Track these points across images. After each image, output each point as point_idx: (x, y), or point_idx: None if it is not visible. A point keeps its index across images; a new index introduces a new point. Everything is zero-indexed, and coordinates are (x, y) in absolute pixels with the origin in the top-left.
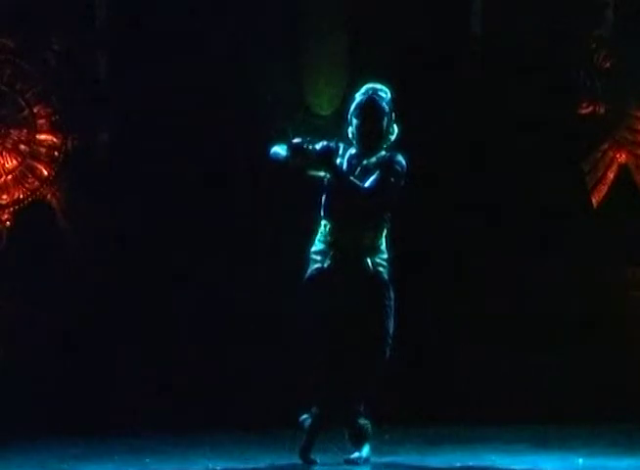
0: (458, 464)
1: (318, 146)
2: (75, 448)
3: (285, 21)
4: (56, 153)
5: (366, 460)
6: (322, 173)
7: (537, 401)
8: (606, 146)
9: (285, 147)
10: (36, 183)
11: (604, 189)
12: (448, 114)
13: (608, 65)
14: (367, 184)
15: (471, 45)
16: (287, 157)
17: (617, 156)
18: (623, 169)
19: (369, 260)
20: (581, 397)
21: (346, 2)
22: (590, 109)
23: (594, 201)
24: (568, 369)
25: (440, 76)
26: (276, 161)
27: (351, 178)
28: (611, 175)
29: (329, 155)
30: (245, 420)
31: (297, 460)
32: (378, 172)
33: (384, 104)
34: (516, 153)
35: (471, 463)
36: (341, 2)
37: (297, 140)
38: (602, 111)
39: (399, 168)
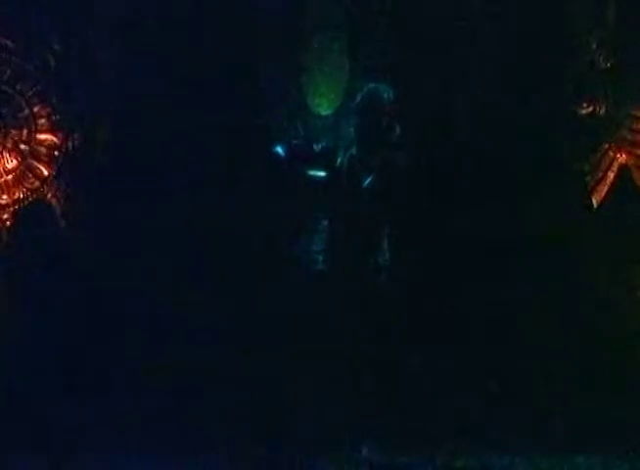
0: (458, 464)
1: (318, 146)
2: None
3: (285, 20)
4: (56, 153)
5: (366, 460)
6: (321, 173)
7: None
8: (606, 146)
9: (285, 147)
10: (36, 183)
11: (604, 189)
12: (447, 113)
13: (608, 65)
14: (365, 183)
15: (470, 45)
16: (286, 157)
17: (618, 156)
18: (623, 169)
19: (369, 260)
20: (580, 398)
21: (347, 2)
22: (590, 109)
23: (594, 201)
24: (567, 369)
25: (440, 77)
26: (276, 160)
27: (350, 178)
28: (611, 175)
29: (328, 155)
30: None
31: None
32: (376, 171)
33: (383, 103)
34: (515, 153)
35: (471, 463)
36: (341, 2)
37: (296, 141)
38: (602, 111)
39: (398, 168)
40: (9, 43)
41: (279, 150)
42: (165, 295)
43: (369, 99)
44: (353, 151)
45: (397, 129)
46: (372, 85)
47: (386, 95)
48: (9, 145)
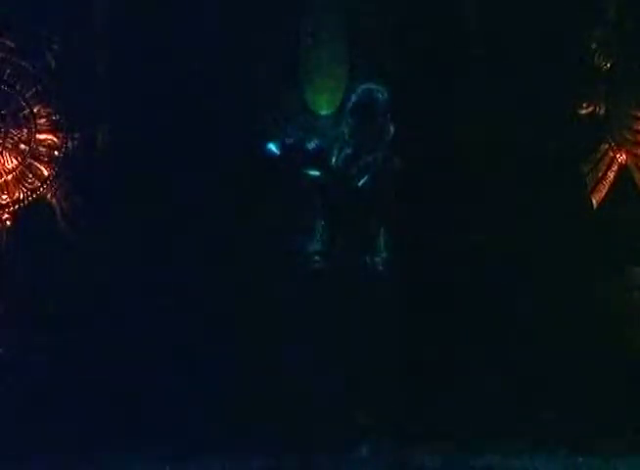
0: (458, 464)
1: (311, 145)
2: None
3: (285, 20)
4: (56, 153)
5: (366, 460)
6: (317, 172)
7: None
8: (606, 146)
9: (278, 145)
10: (36, 183)
11: (604, 189)
12: (447, 114)
13: (608, 65)
14: (360, 183)
15: (469, 45)
16: (280, 155)
17: (617, 156)
18: (623, 169)
19: (367, 259)
20: (580, 397)
21: (347, 2)
22: (590, 109)
23: (594, 201)
24: (566, 369)
25: (439, 77)
26: (270, 158)
27: (345, 178)
28: (611, 175)
29: (321, 154)
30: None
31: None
32: (372, 172)
33: (379, 104)
34: (514, 153)
35: (471, 463)
36: (341, 2)
37: (289, 139)
38: (602, 111)
39: (393, 168)
40: (9, 43)
41: (274, 149)
42: (166, 295)
43: (363, 99)
44: (348, 151)
45: (392, 129)
46: (366, 85)
47: (380, 95)
48: (9, 145)
